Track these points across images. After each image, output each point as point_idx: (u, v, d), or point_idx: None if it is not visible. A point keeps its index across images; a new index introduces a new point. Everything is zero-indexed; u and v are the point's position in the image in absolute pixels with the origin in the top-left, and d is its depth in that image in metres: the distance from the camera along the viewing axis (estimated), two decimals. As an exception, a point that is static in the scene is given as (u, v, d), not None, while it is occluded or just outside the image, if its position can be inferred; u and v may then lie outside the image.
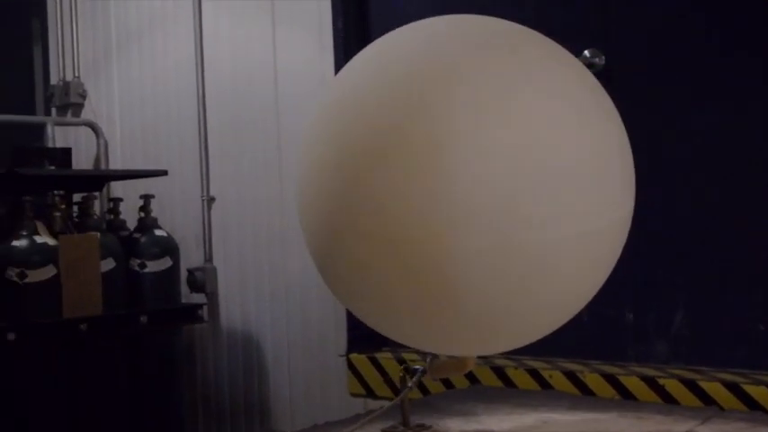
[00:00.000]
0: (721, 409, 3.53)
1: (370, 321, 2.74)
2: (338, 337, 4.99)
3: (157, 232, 4.97)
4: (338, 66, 4.87)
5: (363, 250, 2.43)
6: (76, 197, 5.16)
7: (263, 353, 5.43)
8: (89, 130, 6.30)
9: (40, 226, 4.46)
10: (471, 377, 4.31)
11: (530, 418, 3.30)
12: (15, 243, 4.40)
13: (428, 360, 3.05)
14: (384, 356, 4.79)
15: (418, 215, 2.31)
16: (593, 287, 2.63)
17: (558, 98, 2.41)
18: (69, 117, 6.44)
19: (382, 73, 2.53)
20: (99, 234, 4.66)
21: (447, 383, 4.31)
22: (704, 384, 3.78)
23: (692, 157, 3.99)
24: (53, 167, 5.30)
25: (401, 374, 3.14)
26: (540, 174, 2.30)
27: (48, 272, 4.40)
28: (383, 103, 2.43)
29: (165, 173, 5.27)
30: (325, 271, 2.73)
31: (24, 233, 4.43)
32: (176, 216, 5.66)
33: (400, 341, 2.80)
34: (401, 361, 4.66)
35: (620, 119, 2.62)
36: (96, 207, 4.89)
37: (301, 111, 5.14)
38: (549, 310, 2.57)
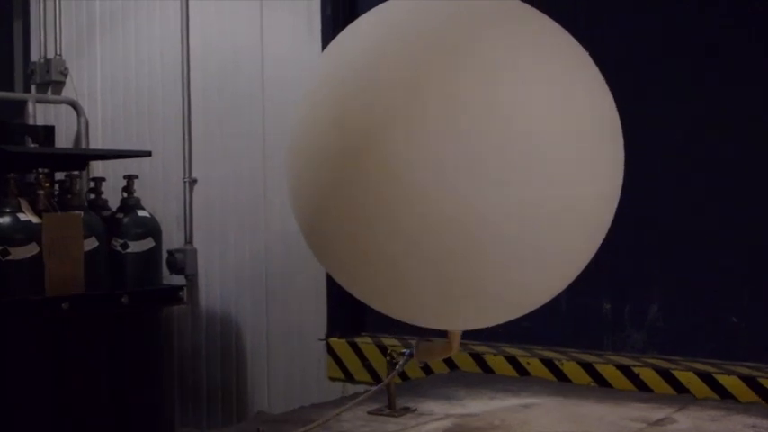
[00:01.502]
0: (695, 397, 3.63)
1: (359, 290, 2.79)
2: (318, 322, 5.03)
3: (140, 213, 4.95)
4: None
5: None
6: (58, 176, 5.15)
7: (242, 335, 5.45)
8: (70, 108, 6.27)
9: (23, 203, 4.43)
10: (451, 363, 4.36)
11: (512, 402, 3.38)
12: (-2, 220, 4.38)
13: (415, 343, 3.11)
14: (363, 341, 4.84)
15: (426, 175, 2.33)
16: (585, 258, 2.69)
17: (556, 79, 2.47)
18: (50, 95, 6.39)
19: (379, 47, 2.53)
20: (82, 213, 4.64)
21: (427, 369, 4.37)
22: (678, 373, 3.87)
23: (675, 150, 4.06)
24: (36, 145, 5.28)
25: (389, 358, 3.20)
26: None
27: (31, 250, 4.37)
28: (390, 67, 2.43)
29: (148, 153, 5.26)
30: (313, 234, 2.74)
31: (8, 210, 4.39)
32: (158, 197, 5.65)
33: (395, 314, 2.83)
34: (381, 346, 4.72)
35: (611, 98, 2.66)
36: (78, 186, 4.87)
37: (287, 96, 5.16)
38: (545, 277, 2.62)
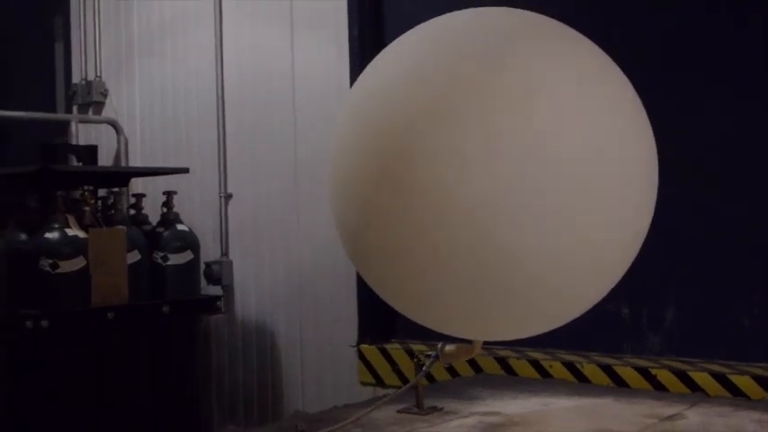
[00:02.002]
0: (707, 395, 3.80)
1: (398, 303, 2.95)
2: (349, 329, 5.21)
3: (179, 227, 5.20)
4: (353, 71, 5.08)
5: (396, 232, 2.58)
6: (101, 192, 5.41)
7: (277, 343, 5.67)
8: (110, 127, 6.54)
9: (70, 219, 4.68)
10: (476, 366, 4.56)
11: (533, 401, 3.57)
12: (48, 235, 4.61)
13: (439, 346, 3.31)
14: (393, 348, 5.00)
15: (456, 198, 2.46)
16: (603, 291, 2.86)
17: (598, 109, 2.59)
18: (91, 115, 6.68)
19: (417, 62, 2.65)
20: (125, 228, 4.90)
21: (452, 372, 4.55)
22: (693, 374, 4.01)
23: (691, 157, 4.16)
24: (80, 163, 5.55)
25: (416, 360, 3.41)
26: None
27: (78, 263, 4.62)
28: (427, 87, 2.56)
29: (186, 170, 5.51)
30: (355, 251, 2.89)
31: (56, 226, 4.63)
32: (195, 212, 5.89)
33: (429, 325, 2.99)
34: (409, 352, 4.90)
35: (651, 136, 2.78)
36: (122, 202, 5.14)
37: (317, 115, 5.40)
38: (579, 294, 2.77)
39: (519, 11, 2.86)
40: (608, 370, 4.26)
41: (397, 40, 2.88)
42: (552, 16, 2.84)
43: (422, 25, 2.86)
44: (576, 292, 2.73)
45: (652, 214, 2.80)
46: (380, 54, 2.90)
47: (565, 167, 2.47)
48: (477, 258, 2.51)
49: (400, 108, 2.59)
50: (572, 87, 2.55)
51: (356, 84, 2.95)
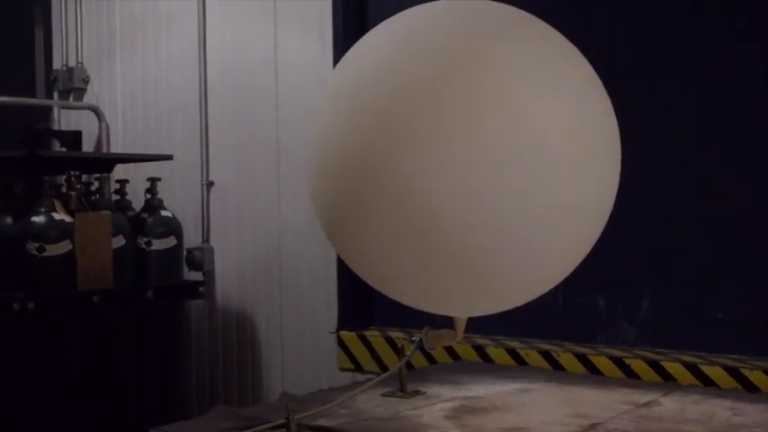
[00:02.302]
0: (681, 384, 3.92)
1: (372, 278, 2.97)
2: (329, 315, 5.30)
3: (163, 213, 5.27)
4: (337, 60, 5.15)
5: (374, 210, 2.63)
6: (84, 177, 5.46)
7: (257, 329, 5.76)
8: (91, 113, 6.57)
9: (57, 204, 4.74)
10: (453, 354, 4.65)
11: (511, 387, 3.66)
12: (35, 219, 4.67)
13: (424, 331, 3.40)
14: (372, 334, 5.07)
15: (432, 172, 2.52)
16: (582, 254, 2.89)
17: (556, 85, 2.66)
18: (72, 101, 6.70)
19: (400, 45, 2.70)
20: (110, 213, 4.95)
21: (431, 359, 4.66)
22: (666, 364, 4.11)
23: (664, 149, 4.26)
24: (64, 149, 5.59)
25: (401, 344, 3.51)
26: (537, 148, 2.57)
27: (64, 246, 4.68)
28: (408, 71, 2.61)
29: (170, 157, 5.57)
30: (336, 232, 2.91)
31: (43, 210, 4.69)
32: (177, 198, 5.94)
33: (405, 301, 3.02)
34: (388, 338, 4.99)
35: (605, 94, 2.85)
36: (106, 188, 5.18)
37: (300, 104, 5.48)
38: (546, 269, 2.82)
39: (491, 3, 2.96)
40: (583, 359, 4.35)
41: (376, 27, 2.94)
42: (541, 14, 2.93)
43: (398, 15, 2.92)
44: (544, 270, 2.82)
45: (612, 202, 2.88)
46: (362, 38, 2.95)
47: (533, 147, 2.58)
48: (445, 234, 2.59)
49: (379, 90, 2.66)
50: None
51: (338, 67, 3.00)
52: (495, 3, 2.93)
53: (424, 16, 2.86)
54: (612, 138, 2.85)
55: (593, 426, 2.99)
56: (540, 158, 2.57)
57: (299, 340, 5.55)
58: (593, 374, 4.23)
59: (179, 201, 5.95)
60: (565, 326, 4.62)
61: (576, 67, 2.82)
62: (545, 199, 2.59)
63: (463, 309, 3.13)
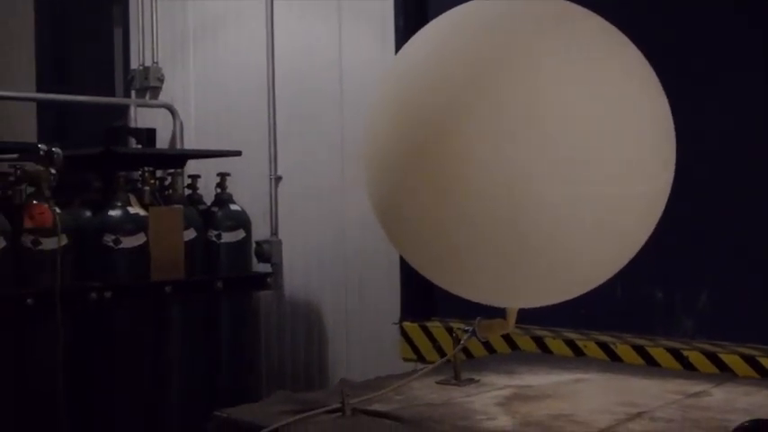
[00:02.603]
0: (736, 375, 3.94)
1: (424, 268, 3.07)
2: (392, 307, 5.39)
3: (232, 207, 5.47)
4: (398, 61, 5.28)
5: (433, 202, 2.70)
6: (159, 173, 5.69)
7: (323, 319, 5.92)
8: (166, 111, 6.82)
9: (132, 198, 4.97)
10: (512, 344, 4.73)
11: (566, 377, 3.75)
12: (111, 213, 4.89)
13: (477, 321, 3.51)
14: (434, 325, 5.15)
15: (493, 168, 2.58)
16: (635, 246, 2.94)
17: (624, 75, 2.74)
18: (149, 99, 6.97)
19: (457, 39, 2.79)
20: (182, 207, 5.17)
21: (489, 348, 4.75)
22: (723, 356, 4.11)
23: (724, 143, 4.26)
24: (140, 146, 5.84)
25: (454, 335, 3.62)
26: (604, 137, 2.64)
27: (139, 239, 4.89)
28: (463, 62, 2.68)
29: (239, 153, 5.76)
30: (388, 220, 3.01)
31: (119, 204, 4.91)
32: (246, 193, 6.11)
33: (456, 290, 3.13)
34: (449, 329, 5.08)
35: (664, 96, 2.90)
36: (179, 183, 5.41)
37: (363, 102, 5.59)
38: (600, 259, 2.86)
39: None
40: (640, 350, 4.37)
41: (429, 24, 3.02)
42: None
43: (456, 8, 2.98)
44: (599, 257, 2.85)
45: (667, 196, 2.92)
46: (421, 29, 3.03)
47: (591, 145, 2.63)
48: (503, 225, 2.65)
49: (434, 82, 2.73)
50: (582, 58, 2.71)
51: (394, 60, 3.13)
52: None
53: (478, 12, 2.92)
54: (666, 131, 2.87)
55: (639, 414, 3.07)
56: (597, 153, 2.62)
57: (364, 330, 5.69)
58: (648, 366, 4.27)
59: (248, 195, 6.12)
60: (623, 318, 4.63)
61: (633, 64, 2.84)
62: (598, 191, 2.63)
63: (513, 299, 3.20)
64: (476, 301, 3.18)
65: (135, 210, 4.93)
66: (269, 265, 6.03)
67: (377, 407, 3.13)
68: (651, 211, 2.91)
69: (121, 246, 4.85)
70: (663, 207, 2.94)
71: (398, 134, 2.79)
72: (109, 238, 4.82)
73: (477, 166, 2.61)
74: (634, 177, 2.73)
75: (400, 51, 3.12)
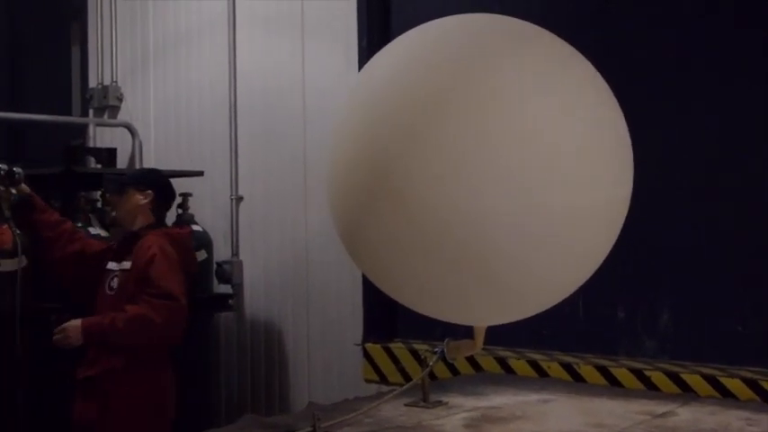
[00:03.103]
0: (698, 395, 3.99)
1: (388, 287, 3.04)
2: (354, 328, 5.42)
3: (195, 227, 5.42)
4: (362, 80, 5.29)
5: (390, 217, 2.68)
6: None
7: (284, 340, 5.89)
8: (124, 130, 6.75)
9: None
10: (476, 365, 4.76)
11: (532, 398, 3.77)
12: (72, 233, 4.83)
13: (445, 342, 3.51)
14: (397, 346, 5.17)
15: (444, 180, 2.58)
16: (596, 260, 2.91)
17: (566, 91, 2.73)
18: (107, 118, 6.89)
19: (412, 59, 2.79)
20: (145, 227, 5.09)
21: (453, 370, 4.76)
22: (685, 376, 4.17)
23: (687, 162, 4.34)
24: (99, 165, 5.76)
25: (423, 356, 3.62)
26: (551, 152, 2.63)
27: (100, 259, 4.83)
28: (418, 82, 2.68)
29: (201, 173, 5.72)
30: (352, 241, 2.98)
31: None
32: (206, 213, 6.10)
33: (420, 310, 3.08)
34: (412, 350, 5.09)
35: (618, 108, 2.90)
36: (139, 203, 5.34)
37: (327, 122, 5.60)
38: (562, 275, 2.84)
39: (501, 16, 3.04)
40: (603, 371, 4.43)
41: (395, 40, 3.04)
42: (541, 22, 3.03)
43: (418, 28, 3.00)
44: (560, 276, 2.86)
45: (626, 210, 2.92)
46: (380, 52, 3.05)
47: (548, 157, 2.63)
48: (463, 245, 2.64)
49: (392, 102, 2.74)
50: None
51: (357, 77, 3.11)
52: (506, 17, 3.01)
53: (437, 30, 2.94)
54: (623, 143, 2.87)
55: (608, 435, 3.08)
56: (552, 167, 2.61)
57: (326, 352, 5.67)
58: (612, 386, 4.30)
59: (209, 215, 6.10)
60: (586, 339, 4.68)
61: (584, 75, 2.87)
62: (555, 205, 2.62)
63: (480, 318, 3.19)
64: (441, 319, 3.14)
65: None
66: (230, 286, 5.98)
67: (348, 430, 3.11)
68: (611, 224, 2.89)
69: (83, 267, 4.75)
70: (622, 221, 2.93)
71: (360, 157, 2.79)
72: (70, 259, 4.72)
73: (433, 182, 2.61)
74: (594, 189, 2.73)
75: (362, 71, 3.12)
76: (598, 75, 2.92)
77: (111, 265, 4.11)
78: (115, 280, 4.07)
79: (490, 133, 2.60)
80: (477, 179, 2.58)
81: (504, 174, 2.58)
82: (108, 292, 4.07)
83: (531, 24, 2.98)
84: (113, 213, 4.25)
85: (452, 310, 3.06)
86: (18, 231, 4.29)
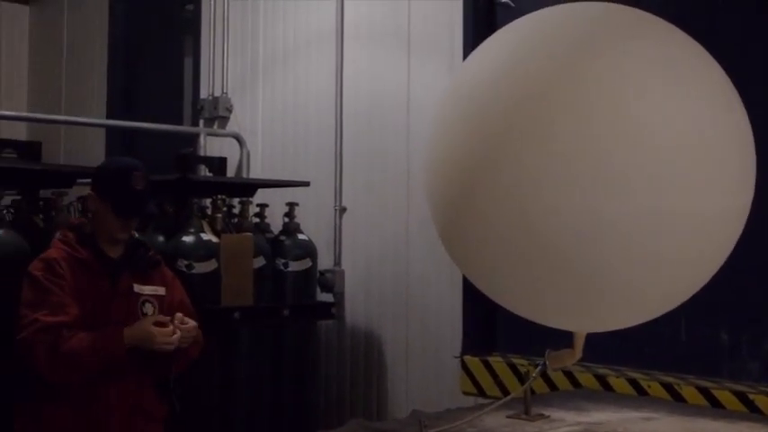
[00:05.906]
0: (806, 421, 3.92)
1: (491, 289, 3.01)
2: (454, 340, 5.48)
3: (300, 236, 5.59)
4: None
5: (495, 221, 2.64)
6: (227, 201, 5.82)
7: (383, 350, 5.98)
8: (232, 140, 6.98)
9: (204, 225, 5.10)
10: (575, 381, 4.77)
11: (633, 414, 3.77)
12: (185, 238, 5.02)
13: (547, 353, 3.52)
14: (495, 360, 5.20)
15: (556, 181, 2.52)
16: (709, 271, 2.83)
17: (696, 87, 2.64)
18: (217, 128, 7.14)
19: (519, 51, 2.72)
20: (252, 235, 5.29)
21: (552, 386, 4.78)
22: None
23: None
24: (211, 174, 5.98)
25: (525, 370, 3.67)
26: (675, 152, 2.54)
27: (210, 265, 5.01)
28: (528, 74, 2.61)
29: (307, 183, 5.88)
30: (453, 243, 2.96)
31: (192, 230, 5.05)
32: (310, 222, 6.24)
33: (520, 311, 3.06)
34: (511, 365, 5.13)
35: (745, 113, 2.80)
36: (248, 211, 5.54)
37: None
38: (668, 285, 2.76)
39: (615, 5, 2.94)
40: (705, 392, 4.38)
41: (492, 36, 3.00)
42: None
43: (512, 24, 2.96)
44: (665, 287, 2.78)
45: (744, 219, 2.82)
46: (476, 49, 3.00)
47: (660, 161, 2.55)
48: (563, 247, 2.59)
49: (499, 97, 2.68)
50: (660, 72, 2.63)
51: (454, 78, 3.08)
52: (621, 6, 2.90)
53: (540, 23, 2.88)
54: (746, 148, 2.77)
55: (715, 454, 3.07)
56: (662, 172, 2.54)
57: (424, 363, 5.74)
58: (714, 408, 4.26)
59: (313, 225, 6.24)
60: (688, 360, 4.64)
61: (705, 72, 2.76)
62: (665, 212, 2.55)
63: (581, 324, 3.15)
64: (541, 323, 3.11)
65: (208, 236, 5.05)
66: (332, 294, 6.12)
67: (452, 438, 3.18)
68: (727, 229, 2.79)
69: (194, 271, 4.96)
70: (739, 229, 2.83)
71: (465, 150, 2.74)
72: (182, 263, 4.94)
73: (535, 184, 2.57)
74: (713, 196, 2.65)
75: (466, 61, 3.07)
76: (723, 72, 2.81)
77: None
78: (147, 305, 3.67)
79: (597, 139, 2.53)
80: (582, 185, 2.52)
81: (614, 175, 2.51)
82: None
83: (648, 14, 2.88)
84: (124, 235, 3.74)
85: (553, 315, 3.03)
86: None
